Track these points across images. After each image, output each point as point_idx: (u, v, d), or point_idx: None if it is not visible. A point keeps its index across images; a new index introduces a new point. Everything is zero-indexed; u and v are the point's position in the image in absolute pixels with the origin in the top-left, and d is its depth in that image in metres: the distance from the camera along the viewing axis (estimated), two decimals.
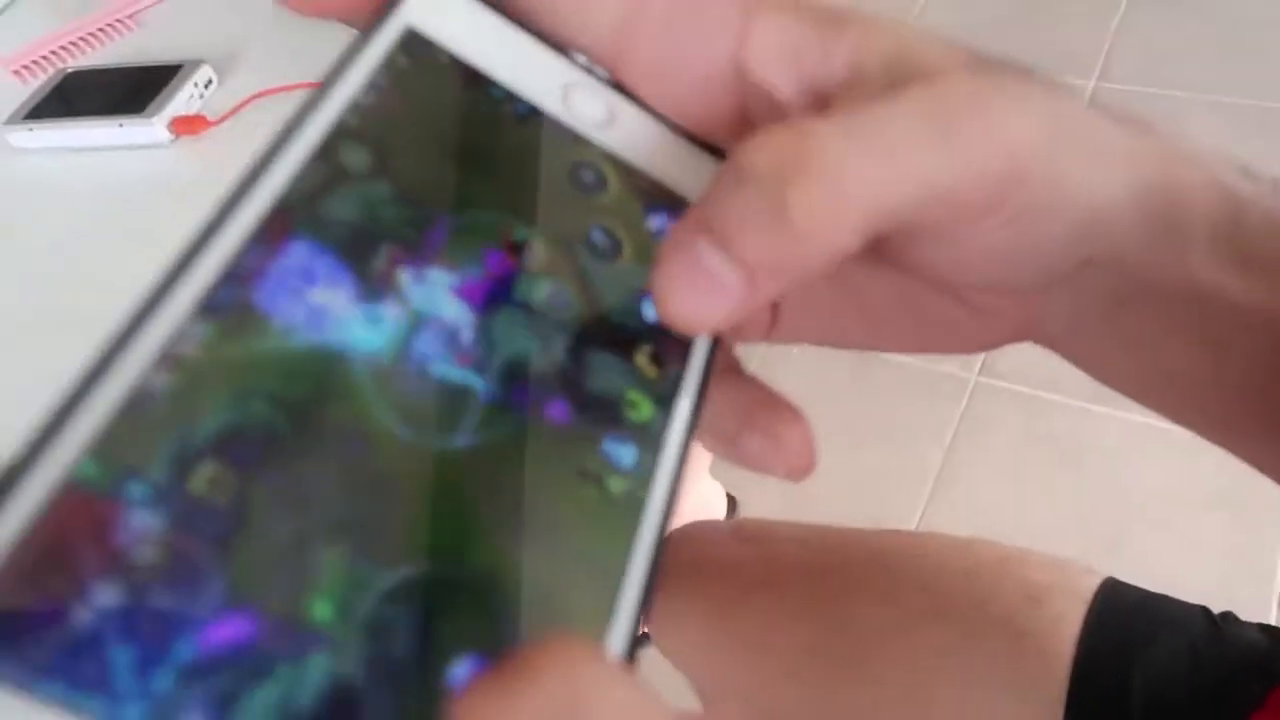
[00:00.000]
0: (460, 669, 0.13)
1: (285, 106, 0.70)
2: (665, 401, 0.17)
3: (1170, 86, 1.79)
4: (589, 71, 0.19)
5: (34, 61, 0.79)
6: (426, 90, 0.17)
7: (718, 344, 0.19)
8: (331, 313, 0.14)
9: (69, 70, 0.76)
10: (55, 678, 0.10)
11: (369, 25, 0.17)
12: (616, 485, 0.16)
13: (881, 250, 0.20)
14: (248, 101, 0.71)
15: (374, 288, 0.14)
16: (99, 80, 0.74)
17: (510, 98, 0.18)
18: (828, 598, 0.51)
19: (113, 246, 0.65)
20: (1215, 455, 0.25)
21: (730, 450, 0.21)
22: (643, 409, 0.17)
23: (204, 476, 0.12)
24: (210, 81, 0.74)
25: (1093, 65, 1.86)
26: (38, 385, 0.54)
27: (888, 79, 0.18)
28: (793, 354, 1.13)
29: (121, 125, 0.70)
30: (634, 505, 0.16)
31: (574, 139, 0.19)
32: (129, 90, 0.72)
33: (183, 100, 0.71)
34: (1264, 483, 0.25)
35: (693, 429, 0.17)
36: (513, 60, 0.18)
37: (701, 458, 1.14)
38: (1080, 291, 0.22)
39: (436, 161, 0.16)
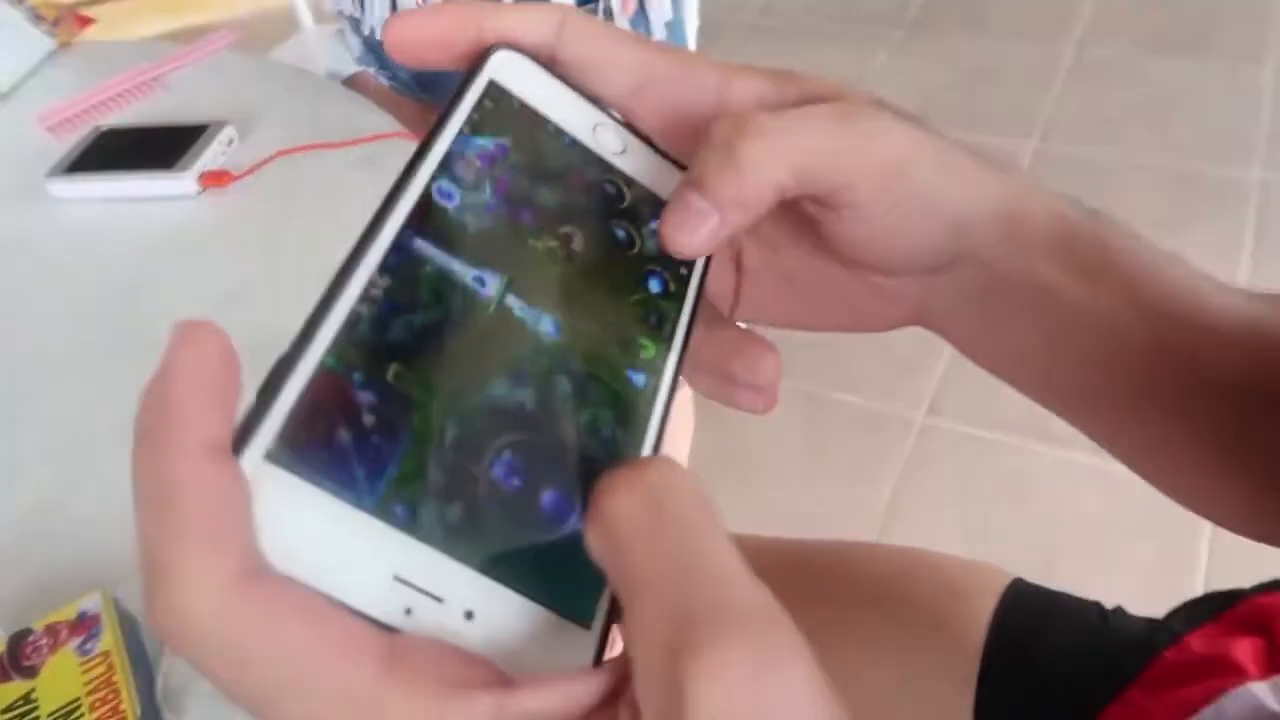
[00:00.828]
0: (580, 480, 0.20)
1: (302, 163, 0.78)
2: (667, 340, 0.25)
3: (1102, 148, 1.93)
4: (610, 115, 0.27)
5: (66, 119, 0.87)
6: (506, 124, 0.25)
7: (700, 297, 0.27)
8: (457, 275, 0.21)
9: (104, 128, 0.83)
10: (325, 476, 0.17)
11: (466, 76, 0.24)
12: (639, 381, 0.24)
13: (806, 231, 0.28)
14: (270, 159, 0.79)
15: (484, 258, 0.22)
16: (132, 137, 0.82)
17: (560, 132, 0.26)
18: (779, 597, 0.59)
19: (149, 286, 0.73)
20: (1141, 488, 0.33)
21: (718, 381, 0.29)
22: (650, 349, 0.25)
23: (393, 371, 0.19)
24: (232, 140, 0.82)
25: (1033, 129, 2.00)
26: (84, 410, 0.61)
27: (825, 100, 0.27)
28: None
29: (155, 178, 0.78)
30: (651, 395, 0.24)
31: (600, 163, 0.26)
32: (160, 147, 0.80)
33: (210, 156, 0.80)
34: (1185, 513, 0.32)
35: (685, 350, 0.25)
36: (561, 106, 0.26)
37: None
38: (955, 284, 0.30)
39: (517, 173, 0.24)
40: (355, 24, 0.96)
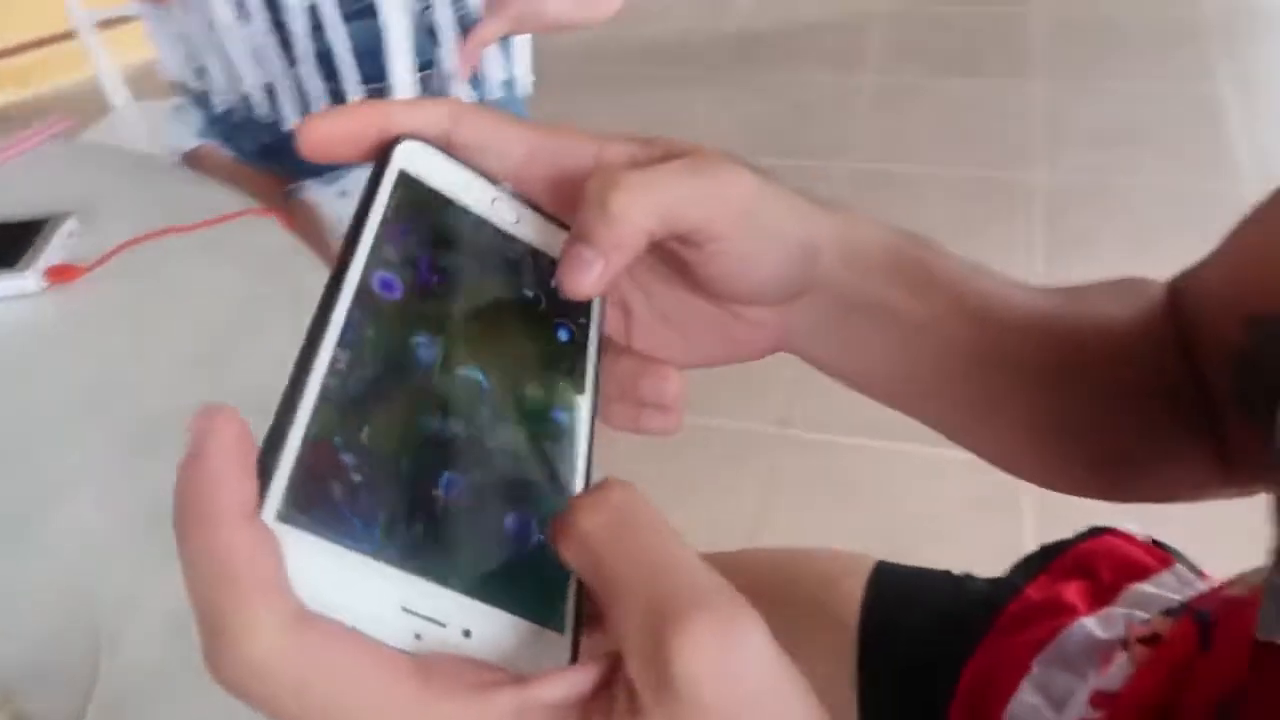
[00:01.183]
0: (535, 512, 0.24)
1: (153, 248, 0.78)
2: (581, 379, 0.29)
3: (905, 163, 2.09)
4: (503, 189, 0.30)
5: None
6: (420, 207, 0.28)
7: (601, 339, 0.30)
8: (403, 344, 0.25)
9: None
10: (329, 529, 0.21)
11: (378, 168, 0.27)
12: (566, 416, 0.28)
13: (677, 272, 0.32)
14: (121, 248, 0.79)
15: (421, 326, 0.26)
16: None
17: (465, 210, 0.29)
18: None
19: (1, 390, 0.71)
20: (971, 470, 0.39)
21: (628, 409, 0.32)
22: (568, 390, 0.29)
23: (366, 433, 0.23)
24: (73, 232, 0.81)
25: (844, 151, 2.15)
26: None
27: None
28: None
29: None
30: (576, 428, 0.28)
31: (501, 233, 0.30)
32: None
33: (53, 251, 0.78)
34: (1007, 484, 0.38)
35: (597, 386, 0.30)
36: (462, 185, 0.29)
37: None
38: (809, 310, 0.34)
39: (435, 248, 0.28)
40: (198, 98, 0.97)
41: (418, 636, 0.21)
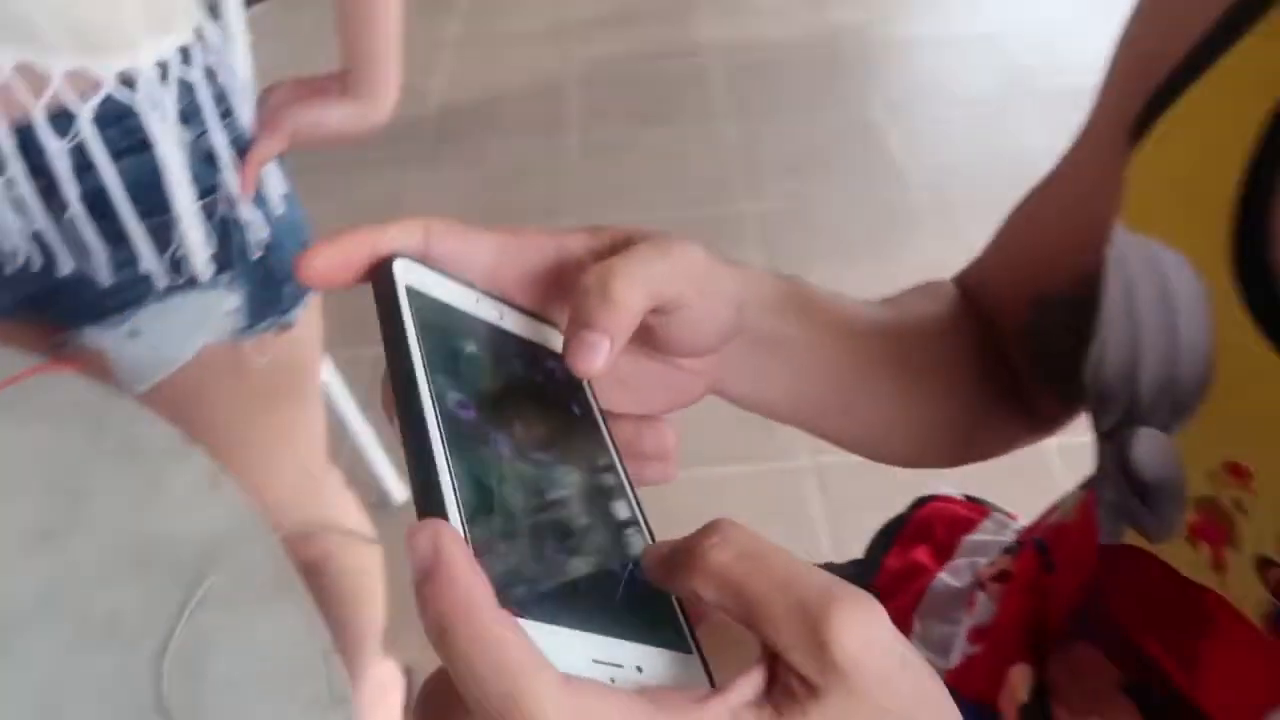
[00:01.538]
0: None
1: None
2: (602, 440, 0.34)
3: (626, 213, 2.24)
4: (482, 291, 0.33)
5: None
6: (434, 317, 0.31)
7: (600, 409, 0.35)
8: (484, 444, 0.28)
9: None
10: (524, 610, 0.24)
11: (383, 288, 0.30)
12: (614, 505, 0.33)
13: (649, 341, 0.36)
14: None
15: (490, 426, 0.29)
16: None
17: (465, 314, 0.32)
18: None
19: None
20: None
21: (633, 463, 0.35)
22: (601, 455, 0.33)
23: (499, 527, 0.26)
24: None
25: (561, 212, 2.26)
26: None
27: (633, 240, 0.35)
28: None
29: None
30: (622, 483, 0.33)
31: (499, 330, 0.33)
32: None
33: None
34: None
35: (617, 447, 0.34)
36: (452, 292, 0.32)
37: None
38: (734, 352, 0.39)
39: (462, 349, 0.31)
40: None
41: (612, 680, 0.25)
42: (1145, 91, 0.41)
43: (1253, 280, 0.35)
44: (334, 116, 0.87)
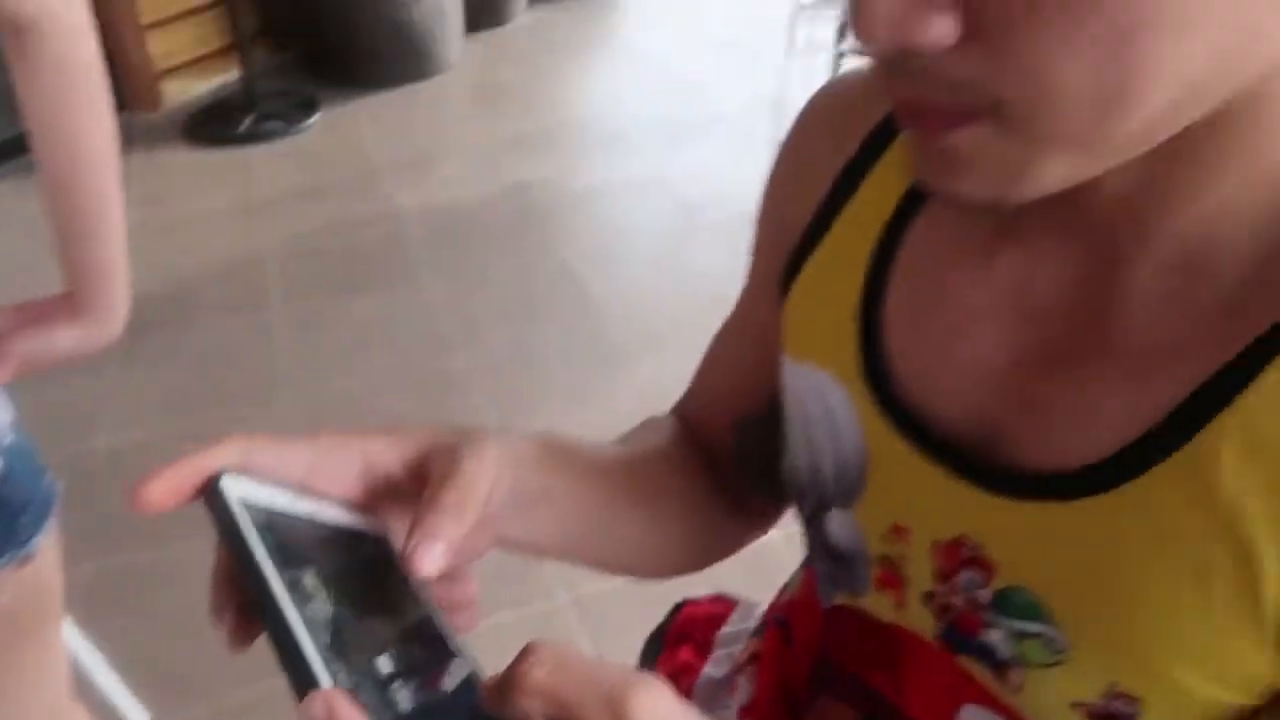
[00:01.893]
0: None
1: None
2: (423, 592, 0.40)
3: (344, 380, 2.23)
4: (299, 493, 0.39)
5: None
6: (266, 519, 0.35)
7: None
8: (334, 615, 0.34)
9: None
10: None
11: (215, 503, 0.34)
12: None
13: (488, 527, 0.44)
14: None
15: (324, 595, 0.34)
16: None
17: (289, 513, 0.37)
18: None
19: None
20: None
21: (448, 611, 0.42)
22: (424, 605, 0.40)
23: (355, 681, 0.32)
24: None
25: (275, 392, 2.23)
26: None
27: (448, 461, 0.42)
28: None
29: None
30: (441, 622, 0.40)
31: (314, 522, 0.39)
32: None
33: None
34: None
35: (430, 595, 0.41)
36: (273, 496, 0.37)
37: None
38: (508, 507, 0.45)
39: (298, 543, 0.36)
40: None
41: None
42: (786, 250, 0.53)
43: (876, 382, 0.47)
44: (64, 341, 0.83)
